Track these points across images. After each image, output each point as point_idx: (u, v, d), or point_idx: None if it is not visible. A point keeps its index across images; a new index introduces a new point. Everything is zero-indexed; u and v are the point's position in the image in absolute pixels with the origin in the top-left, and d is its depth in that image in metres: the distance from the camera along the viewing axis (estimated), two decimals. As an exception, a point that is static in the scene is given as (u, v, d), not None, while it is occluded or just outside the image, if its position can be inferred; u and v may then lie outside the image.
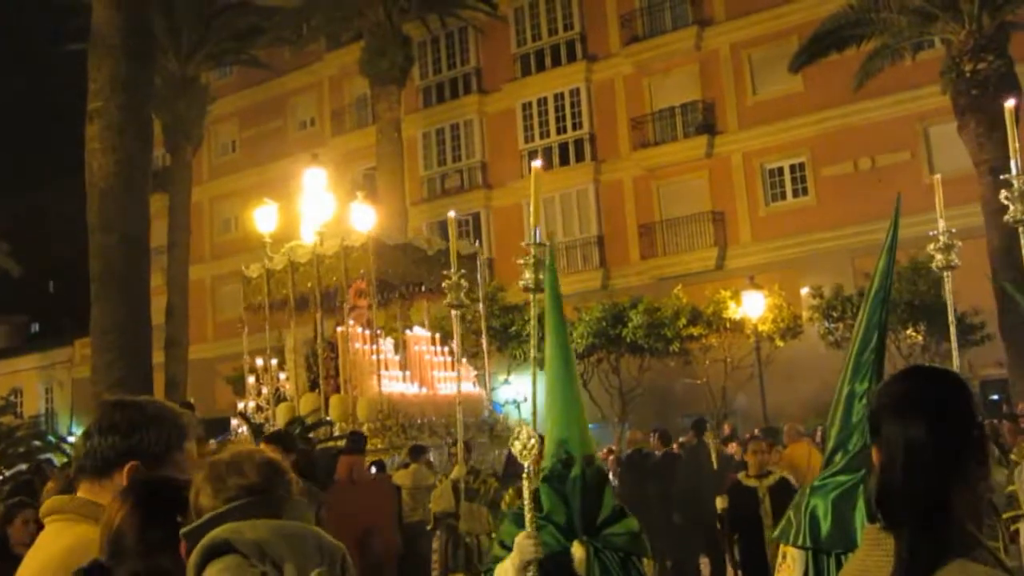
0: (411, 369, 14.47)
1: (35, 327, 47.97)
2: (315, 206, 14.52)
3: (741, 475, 8.28)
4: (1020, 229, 4.69)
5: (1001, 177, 4.87)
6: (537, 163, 4.41)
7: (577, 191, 28.52)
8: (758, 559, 7.65)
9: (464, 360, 15.21)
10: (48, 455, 13.50)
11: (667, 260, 26.81)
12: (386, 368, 13.91)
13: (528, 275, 4.10)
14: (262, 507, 2.07)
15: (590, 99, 28.85)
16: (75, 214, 15.19)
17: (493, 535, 8.65)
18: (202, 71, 28.25)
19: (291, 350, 14.76)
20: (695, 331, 22.23)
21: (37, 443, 14.54)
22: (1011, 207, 4.64)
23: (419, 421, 13.48)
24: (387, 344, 14.71)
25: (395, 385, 13.88)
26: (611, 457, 18.45)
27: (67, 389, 37.49)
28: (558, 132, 29.08)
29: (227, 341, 32.86)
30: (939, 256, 4.94)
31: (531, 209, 4.16)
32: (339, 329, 14.06)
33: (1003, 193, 4.71)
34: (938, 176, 5.63)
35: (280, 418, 13.16)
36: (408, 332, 15.37)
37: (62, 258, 37.03)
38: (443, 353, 15.23)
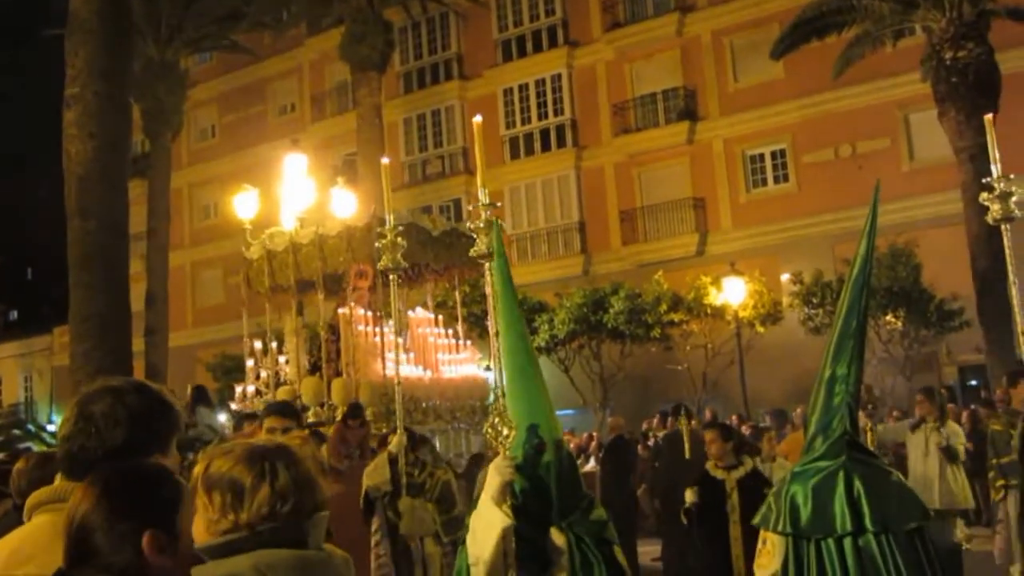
0: (415, 352, 14.01)
1: (13, 315, 47.65)
2: (295, 192, 14.37)
3: (709, 464, 7.77)
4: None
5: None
6: (478, 118, 4.13)
7: (558, 177, 28.50)
8: (721, 556, 7.35)
9: (469, 343, 15.06)
10: (28, 444, 13.45)
11: (648, 246, 26.85)
12: (390, 351, 13.56)
13: (481, 240, 3.78)
14: (288, 533, 1.91)
15: (571, 85, 28.80)
16: (53, 201, 15.05)
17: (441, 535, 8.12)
18: (181, 56, 27.99)
19: (291, 332, 14.48)
20: (676, 317, 22.31)
21: (16, 432, 14.50)
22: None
23: (424, 405, 13.07)
24: (390, 326, 14.36)
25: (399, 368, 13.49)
26: (593, 443, 18.53)
27: (46, 377, 37.25)
28: (539, 118, 29.03)
29: (207, 328, 32.75)
30: (995, 206, 4.47)
31: (478, 163, 3.94)
32: (341, 311, 13.82)
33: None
34: (989, 116, 4.88)
35: (279, 403, 12.92)
36: (411, 314, 15.09)
37: (40, 245, 36.75)
38: (448, 335, 14.91)
